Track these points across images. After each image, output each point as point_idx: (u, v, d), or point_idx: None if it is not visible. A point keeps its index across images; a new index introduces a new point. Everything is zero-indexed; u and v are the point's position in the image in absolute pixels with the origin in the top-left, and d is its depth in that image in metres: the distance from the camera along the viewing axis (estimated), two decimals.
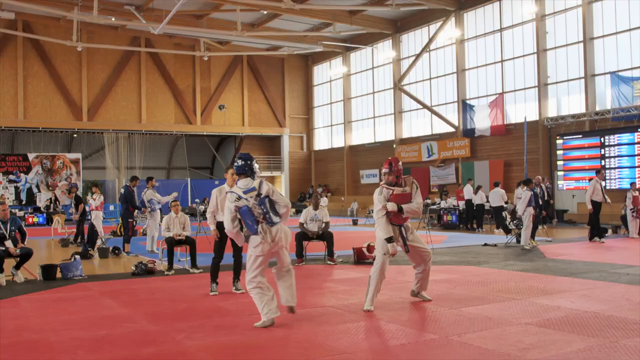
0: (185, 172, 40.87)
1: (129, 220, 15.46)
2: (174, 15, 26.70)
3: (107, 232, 19.87)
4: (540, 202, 17.25)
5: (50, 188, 33.24)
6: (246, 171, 6.91)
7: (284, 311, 7.02)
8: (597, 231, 16.48)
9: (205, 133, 39.64)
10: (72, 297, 8.98)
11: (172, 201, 12.43)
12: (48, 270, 10.72)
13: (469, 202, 22.13)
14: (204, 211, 29.35)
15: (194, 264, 11.51)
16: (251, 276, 6.82)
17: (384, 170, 7.73)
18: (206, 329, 6.66)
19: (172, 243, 11.51)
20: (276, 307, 6.76)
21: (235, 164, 7.00)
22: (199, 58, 37.29)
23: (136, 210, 16.01)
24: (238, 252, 9.17)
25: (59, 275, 10.79)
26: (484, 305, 7.63)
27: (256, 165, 7.01)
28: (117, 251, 14.76)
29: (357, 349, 5.67)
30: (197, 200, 28.76)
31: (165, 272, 11.17)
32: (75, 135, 37.92)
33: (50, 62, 34.44)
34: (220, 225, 8.69)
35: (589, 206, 16.47)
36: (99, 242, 15.59)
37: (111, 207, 34.27)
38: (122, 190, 15.64)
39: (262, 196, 6.76)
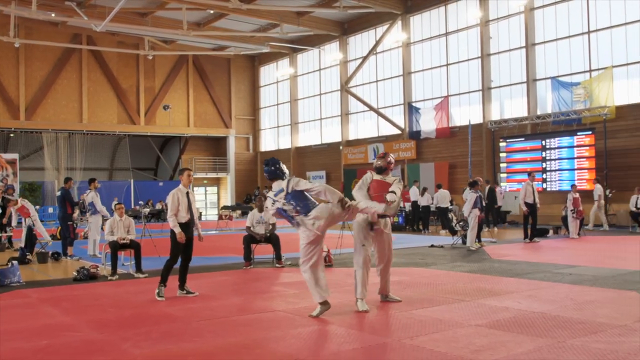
0: (128, 173, 40.01)
1: (69, 223, 14.97)
2: (117, 13, 26.15)
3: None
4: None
5: None
6: (278, 175, 7.46)
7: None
8: (536, 232, 17.13)
9: (149, 133, 38.96)
10: (10, 305, 8.59)
11: (116, 204, 12.09)
12: None
13: (415, 204, 22.33)
14: (149, 213, 28.80)
15: (138, 269, 11.23)
16: (302, 262, 7.34)
17: (378, 160, 8.29)
18: (153, 336, 6.46)
19: (115, 247, 11.21)
20: (325, 287, 7.28)
21: (266, 169, 7.53)
22: (143, 57, 36.62)
23: (76, 213, 15.50)
24: (188, 257, 9.11)
25: None
26: (434, 307, 7.66)
27: (284, 167, 7.56)
28: (56, 256, 14.26)
29: (309, 355, 5.58)
30: (140, 202, 28.22)
31: (109, 277, 10.86)
32: (12, 135, 36.69)
33: None
34: (182, 227, 8.84)
35: (524, 208, 17.14)
36: (37, 246, 15.07)
37: (50, 210, 33.36)
38: (59, 193, 15.10)
39: (287, 193, 7.22)
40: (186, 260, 9.10)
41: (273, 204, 7.39)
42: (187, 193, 9.03)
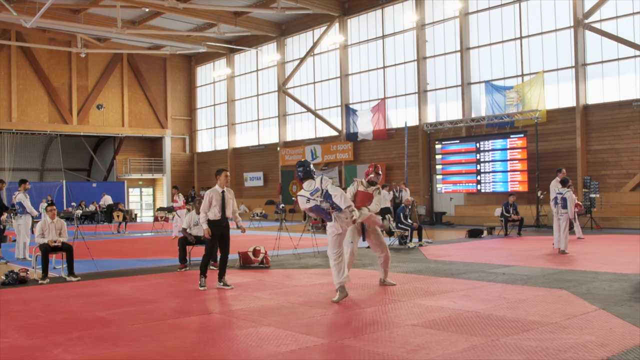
0: (60, 174, 38.90)
1: None
2: (48, 9, 25.36)
3: None
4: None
5: None
6: (309, 175, 8.40)
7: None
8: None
9: (82, 133, 37.98)
10: None
11: (47, 206, 11.72)
12: None
13: None
14: (82, 215, 28.13)
15: (71, 272, 10.92)
16: (333, 251, 8.31)
17: (371, 174, 9.26)
18: (86, 341, 6.28)
19: (46, 250, 10.85)
20: (347, 275, 8.31)
21: (300, 170, 8.44)
22: (76, 54, 35.72)
23: (5, 214, 14.96)
24: (226, 252, 9.70)
25: None
26: (371, 308, 7.72)
27: (312, 167, 8.55)
28: None
29: (245, 357, 5.54)
30: (73, 203, 27.51)
31: (40, 281, 10.52)
32: None
33: None
34: (212, 224, 9.53)
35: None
36: None
37: None
38: None
39: (324, 192, 8.17)
40: (225, 254, 9.70)
41: (308, 201, 8.26)
42: (223, 192, 9.61)
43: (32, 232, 14.97)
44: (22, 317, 7.68)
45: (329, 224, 8.34)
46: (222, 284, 9.64)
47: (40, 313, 7.92)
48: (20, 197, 14.65)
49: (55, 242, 10.98)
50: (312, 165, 8.55)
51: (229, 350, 5.80)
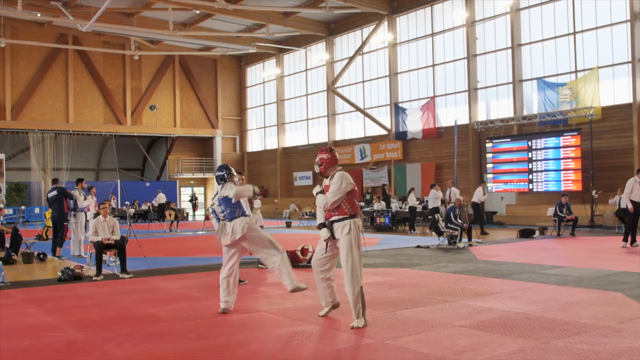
0: (115, 173, 39.86)
1: (65, 223, 14.89)
2: (103, 13, 25.97)
3: (32, 235, 19.10)
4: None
5: None
6: (219, 180, 8.08)
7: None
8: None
9: (135, 134, 38.80)
10: None
11: (101, 203, 12.01)
12: None
13: (412, 209, 22.22)
14: (135, 214, 28.67)
15: (123, 269, 11.17)
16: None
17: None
18: (136, 337, 6.42)
19: (100, 247, 11.13)
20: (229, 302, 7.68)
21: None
22: (129, 57, 36.47)
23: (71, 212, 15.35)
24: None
25: None
26: (418, 308, 7.66)
27: (226, 175, 8.06)
28: (42, 256, 14.17)
29: (292, 355, 5.57)
30: (127, 202, 28.10)
31: (94, 278, 10.79)
32: None
33: None
34: None
35: (629, 206, 14.40)
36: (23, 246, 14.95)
37: (36, 210, 33.15)
38: (54, 192, 14.90)
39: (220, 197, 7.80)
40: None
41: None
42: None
43: (86, 229, 15.43)
44: (75, 312, 7.90)
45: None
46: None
47: (93, 309, 8.13)
48: (75, 194, 15.08)
49: (108, 239, 11.25)
50: (225, 173, 8.03)
51: (275, 348, 5.84)
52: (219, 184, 8.06)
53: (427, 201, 21.51)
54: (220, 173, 8.08)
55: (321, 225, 7.00)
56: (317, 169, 7.14)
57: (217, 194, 7.92)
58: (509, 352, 5.57)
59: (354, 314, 6.70)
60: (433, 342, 5.94)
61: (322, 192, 6.98)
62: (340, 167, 7.13)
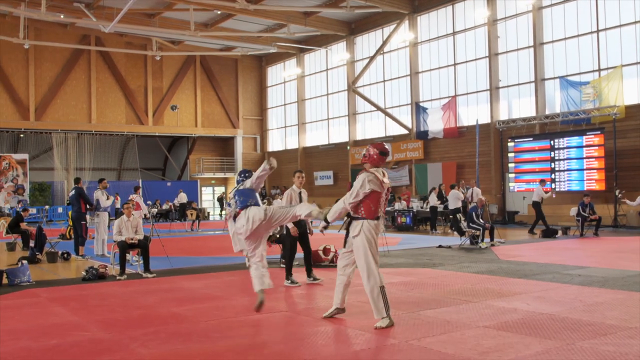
0: (136, 173, 40.15)
1: (82, 222, 15.06)
2: (125, 14, 26.20)
3: (56, 235, 19.30)
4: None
5: None
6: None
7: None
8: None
9: (157, 134, 39.06)
10: (19, 304, 8.64)
11: (124, 203, 12.12)
12: None
13: (433, 208, 22.14)
14: (157, 213, 28.81)
15: (147, 269, 11.26)
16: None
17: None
18: (161, 336, 6.47)
19: (124, 247, 11.22)
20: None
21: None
22: (151, 57, 36.72)
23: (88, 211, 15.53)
24: (308, 249, 10.36)
25: (5, 281, 10.37)
26: (442, 309, 7.64)
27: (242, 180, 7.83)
28: (66, 255, 14.32)
29: (317, 356, 5.58)
30: (149, 202, 28.28)
31: (118, 277, 10.89)
32: (21, 135, 36.93)
33: None
34: (296, 223, 9.89)
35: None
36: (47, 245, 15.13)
37: (59, 210, 33.49)
38: (73, 192, 15.12)
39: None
40: (308, 253, 10.33)
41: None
42: (300, 193, 10.16)
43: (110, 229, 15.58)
44: (100, 311, 7.98)
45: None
46: (311, 279, 10.12)
47: (118, 308, 8.20)
48: (98, 194, 15.24)
49: (132, 239, 11.34)
50: (242, 177, 7.87)
51: (300, 348, 5.85)
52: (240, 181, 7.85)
53: (447, 200, 21.40)
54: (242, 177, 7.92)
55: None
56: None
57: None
58: (534, 353, 5.53)
59: (375, 315, 6.71)
60: (457, 343, 5.92)
61: None
62: (377, 168, 7.06)
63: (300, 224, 10.10)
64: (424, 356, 5.51)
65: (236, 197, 7.48)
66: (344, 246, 7.10)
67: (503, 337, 6.11)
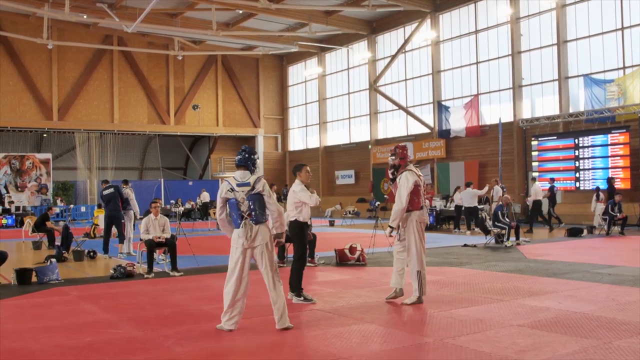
0: (158, 172, 40.42)
1: (122, 221, 15.19)
2: (147, 14, 26.34)
3: (80, 234, 19.47)
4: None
5: (20, 189, 32.55)
6: (247, 164, 6.88)
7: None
8: None
9: (178, 133, 39.23)
10: (50, 302, 8.71)
11: (152, 202, 12.18)
12: (23, 275, 10.39)
13: (458, 207, 22.05)
14: (184, 212, 28.91)
15: (174, 267, 11.31)
16: (228, 271, 6.73)
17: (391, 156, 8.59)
18: (194, 334, 6.49)
19: (152, 245, 11.28)
20: (235, 322, 6.62)
21: (238, 155, 6.96)
22: (173, 57, 36.89)
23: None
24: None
25: (34, 279, 10.47)
26: (473, 307, 7.59)
27: (258, 161, 7.06)
28: (92, 254, 14.42)
29: (352, 354, 5.56)
30: (172, 201, 28.45)
31: (145, 276, 10.95)
32: (45, 135, 37.31)
33: (20, 59, 33.73)
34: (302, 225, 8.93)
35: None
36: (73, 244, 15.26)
37: (82, 209, 33.76)
38: (111, 190, 15.16)
39: (253, 192, 6.70)
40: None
41: (230, 191, 6.81)
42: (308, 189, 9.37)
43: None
44: (131, 309, 8.02)
45: (234, 232, 6.72)
46: (302, 298, 8.35)
47: (148, 306, 8.24)
48: (127, 192, 15.37)
49: (159, 237, 11.39)
50: (256, 156, 6.99)
51: (333, 346, 5.84)
52: (250, 171, 6.89)
53: (461, 199, 21.30)
54: (248, 156, 6.94)
55: None
56: (392, 161, 8.42)
57: (248, 184, 6.76)
58: (571, 352, 5.48)
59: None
60: (493, 342, 5.88)
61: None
62: (411, 167, 8.35)
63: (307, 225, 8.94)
64: (460, 355, 5.47)
65: (251, 204, 6.67)
66: (398, 237, 8.13)
67: (538, 336, 6.06)
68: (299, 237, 8.58)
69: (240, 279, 6.66)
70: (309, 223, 9.06)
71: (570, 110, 24.99)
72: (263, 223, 6.73)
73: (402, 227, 8.01)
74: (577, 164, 23.82)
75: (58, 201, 32.22)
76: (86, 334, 6.61)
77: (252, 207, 6.64)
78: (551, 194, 22.06)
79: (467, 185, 21.13)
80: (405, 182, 7.92)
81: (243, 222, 6.63)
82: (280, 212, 6.91)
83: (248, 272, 6.74)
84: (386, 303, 7.99)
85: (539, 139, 25.38)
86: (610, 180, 21.54)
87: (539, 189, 21.68)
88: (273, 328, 6.65)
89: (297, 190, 8.62)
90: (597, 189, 21.08)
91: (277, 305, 6.65)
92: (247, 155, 6.89)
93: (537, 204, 21.23)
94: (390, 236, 8.14)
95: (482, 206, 21.39)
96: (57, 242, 15.62)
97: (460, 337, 6.09)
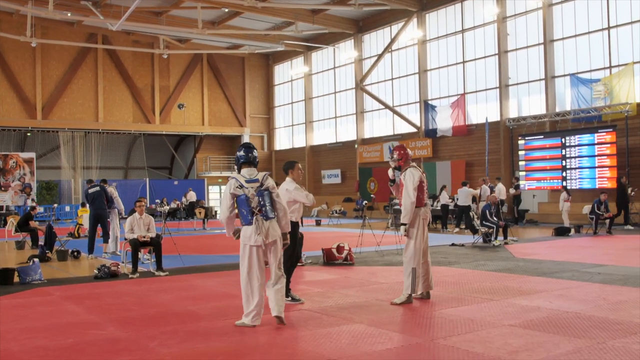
0: (143, 172, 40.12)
1: (108, 220, 14.98)
2: (132, 12, 26.09)
3: (64, 233, 19.23)
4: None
5: (3, 188, 32.13)
6: (253, 161, 6.94)
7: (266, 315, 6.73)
8: None
9: (164, 132, 38.98)
10: (33, 302, 8.51)
11: (136, 201, 11.99)
12: (5, 274, 10.18)
13: (444, 207, 22.04)
14: (169, 212, 28.70)
15: (159, 267, 11.14)
16: (244, 269, 6.73)
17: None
18: (180, 335, 6.33)
19: (136, 245, 11.10)
20: (260, 316, 6.66)
21: (241, 151, 6.96)
22: (158, 56, 36.65)
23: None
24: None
25: (16, 279, 10.26)
26: (464, 307, 7.49)
27: (256, 154, 7.08)
28: (76, 254, 14.20)
29: (342, 355, 5.43)
30: (157, 200, 28.18)
31: (130, 275, 10.77)
32: (28, 134, 36.91)
33: (3, 57, 33.39)
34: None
35: None
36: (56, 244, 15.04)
37: (67, 208, 33.42)
38: (97, 188, 14.92)
39: (262, 188, 6.74)
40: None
41: (240, 187, 6.75)
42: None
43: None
44: (116, 309, 7.85)
45: (244, 229, 6.72)
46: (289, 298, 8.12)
47: (133, 306, 8.07)
48: (112, 191, 15.17)
49: (144, 237, 11.21)
50: (256, 152, 7.02)
51: (323, 347, 5.71)
52: (254, 166, 6.94)
53: (457, 199, 21.27)
54: (252, 153, 6.94)
55: None
56: (393, 164, 8.42)
57: (257, 180, 6.78)
58: (565, 352, 5.39)
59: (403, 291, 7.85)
60: (485, 342, 5.77)
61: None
62: (414, 164, 8.38)
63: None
64: (452, 355, 5.36)
65: (260, 200, 6.67)
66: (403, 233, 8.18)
67: (531, 336, 5.97)
68: (291, 236, 8.33)
69: (261, 273, 6.67)
70: (300, 223, 8.78)
71: (557, 110, 25.06)
72: (272, 219, 6.75)
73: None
74: (563, 163, 23.87)
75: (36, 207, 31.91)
76: (69, 335, 6.44)
77: (262, 202, 6.67)
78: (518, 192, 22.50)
79: (463, 184, 21.06)
80: (410, 177, 8.02)
81: (254, 218, 6.62)
82: (285, 211, 6.91)
83: (264, 266, 6.75)
84: (374, 304, 7.85)
85: (526, 138, 25.41)
86: (619, 180, 21.33)
87: (502, 188, 21.66)
88: (261, 329, 6.51)
89: (291, 189, 8.03)
90: (564, 187, 21.24)
91: (277, 298, 6.68)
92: (251, 153, 6.93)
93: (501, 203, 21.23)
94: (406, 234, 8.04)
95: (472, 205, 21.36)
96: (41, 242, 15.38)
97: (452, 337, 5.98)
